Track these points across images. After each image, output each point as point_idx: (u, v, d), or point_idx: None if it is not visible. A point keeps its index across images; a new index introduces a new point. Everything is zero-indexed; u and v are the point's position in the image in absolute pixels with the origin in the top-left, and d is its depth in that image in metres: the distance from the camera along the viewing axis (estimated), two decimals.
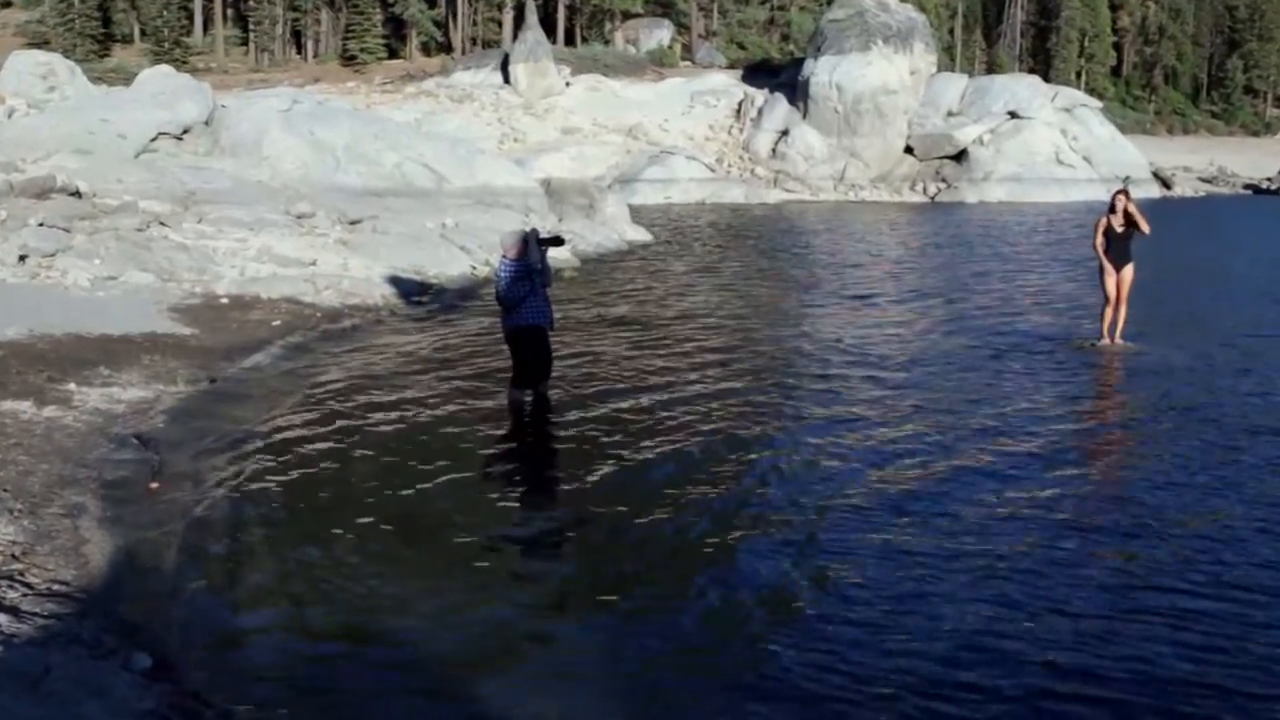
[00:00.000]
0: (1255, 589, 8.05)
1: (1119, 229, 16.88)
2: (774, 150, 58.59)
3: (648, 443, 11.67)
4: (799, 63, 62.89)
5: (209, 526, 9.08)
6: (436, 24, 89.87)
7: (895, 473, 10.70)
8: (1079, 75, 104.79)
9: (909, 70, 58.56)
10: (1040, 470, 10.77)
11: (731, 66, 73.69)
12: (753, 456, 11.35)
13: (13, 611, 6.98)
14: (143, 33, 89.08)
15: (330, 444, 11.50)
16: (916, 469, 10.81)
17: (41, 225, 19.36)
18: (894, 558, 8.58)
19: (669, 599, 7.98)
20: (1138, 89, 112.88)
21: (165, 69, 32.88)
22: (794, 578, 8.25)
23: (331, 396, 13.51)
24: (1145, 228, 16.75)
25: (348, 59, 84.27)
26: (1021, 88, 60.14)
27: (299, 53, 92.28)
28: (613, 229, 32.01)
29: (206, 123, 28.81)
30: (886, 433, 12.10)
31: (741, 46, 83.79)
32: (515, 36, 71.10)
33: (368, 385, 14.12)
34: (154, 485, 9.88)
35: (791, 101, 59.81)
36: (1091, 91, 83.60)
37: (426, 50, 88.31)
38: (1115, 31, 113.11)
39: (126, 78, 45.31)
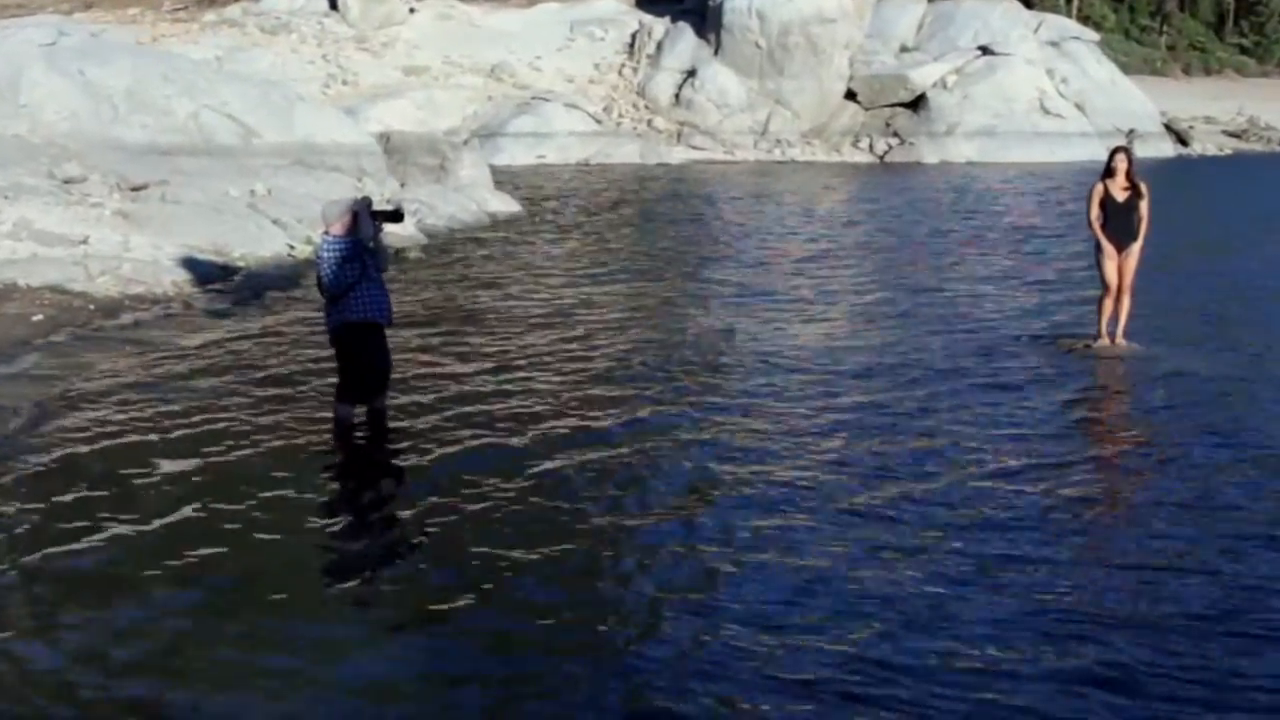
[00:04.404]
0: None
1: (1120, 197, 17.04)
2: (677, 96, 58.63)
3: (508, 470, 11.89)
4: None
5: None
6: None
7: (827, 504, 11.05)
8: (1069, 0, 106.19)
9: None
10: (1011, 510, 10.89)
11: None
12: (649, 486, 11.67)
13: None
14: None
15: (107, 475, 11.62)
16: (858, 500, 11.16)
17: None
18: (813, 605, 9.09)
19: (528, 669, 8.15)
20: (1145, 17, 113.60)
21: None
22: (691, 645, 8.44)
23: (108, 411, 13.65)
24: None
25: None
26: (995, 16, 60.63)
27: None
28: (470, 197, 32.34)
29: None
30: (821, 459, 12.27)
31: None
32: None
33: (154, 398, 14.24)
34: None
35: (700, 33, 59.89)
36: (1086, 21, 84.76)
37: None
38: None
39: None
